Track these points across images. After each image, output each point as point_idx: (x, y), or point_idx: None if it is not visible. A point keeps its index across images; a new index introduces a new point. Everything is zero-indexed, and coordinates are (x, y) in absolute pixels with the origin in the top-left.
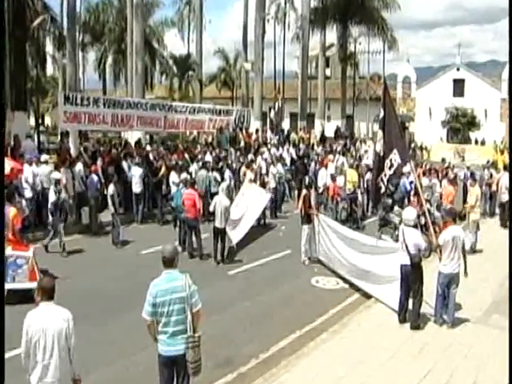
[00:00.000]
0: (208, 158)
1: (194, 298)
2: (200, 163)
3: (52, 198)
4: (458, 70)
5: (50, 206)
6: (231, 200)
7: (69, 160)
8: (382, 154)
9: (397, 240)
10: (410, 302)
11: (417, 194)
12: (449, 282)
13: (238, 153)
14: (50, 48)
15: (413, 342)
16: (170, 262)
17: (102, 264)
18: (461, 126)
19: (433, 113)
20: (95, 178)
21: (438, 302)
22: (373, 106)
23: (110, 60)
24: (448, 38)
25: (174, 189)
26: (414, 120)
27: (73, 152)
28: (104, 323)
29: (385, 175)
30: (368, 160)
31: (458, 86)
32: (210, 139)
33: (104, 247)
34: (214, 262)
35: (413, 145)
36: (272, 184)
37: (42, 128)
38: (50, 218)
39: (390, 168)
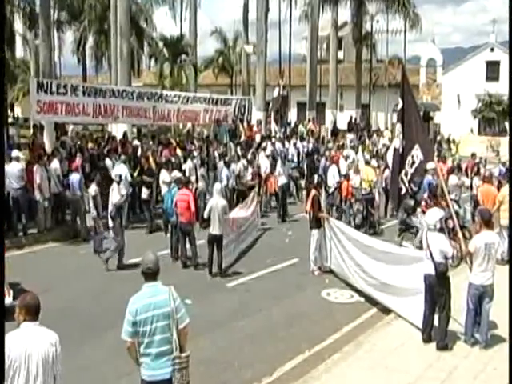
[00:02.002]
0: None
1: (180, 313)
2: (195, 160)
3: (116, 198)
4: (492, 50)
5: (111, 208)
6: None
7: (43, 157)
8: (401, 150)
9: (420, 247)
10: (436, 317)
11: (433, 194)
12: (481, 296)
13: (239, 148)
14: (19, 27)
15: (439, 365)
16: (154, 275)
17: (82, 276)
18: (495, 116)
19: (462, 101)
20: (77, 176)
21: (469, 318)
22: (392, 93)
23: (90, 42)
24: (480, 13)
25: (164, 189)
26: (440, 109)
27: (48, 147)
28: (80, 345)
29: (406, 174)
30: (388, 157)
31: (493, 69)
32: (205, 132)
33: (84, 257)
34: (209, 275)
35: (439, 138)
36: (282, 180)
37: (10, 120)
38: (111, 222)
39: (411, 165)
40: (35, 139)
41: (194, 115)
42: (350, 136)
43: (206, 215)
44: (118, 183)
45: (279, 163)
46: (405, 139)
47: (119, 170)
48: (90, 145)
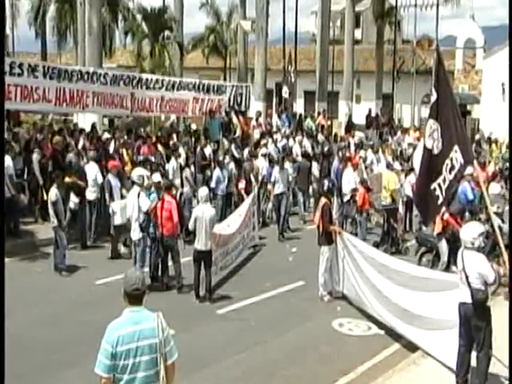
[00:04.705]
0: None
1: (169, 346)
2: (179, 159)
3: (145, 204)
4: None
5: (142, 217)
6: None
7: None
8: (435, 151)
9: (447, 268)
10: (474, 356)
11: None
12: None
13: (233, 145)
14: None
15: None
16: (141, 297)
17: (39, 299)
18: None
19: (507, 91)
20: (113, 180)
21: None
22: (420, 81)
23: (51, 11)
24: None
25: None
26: (480, 101)
27: None
28: None
29: (444, 180)
30: (415, 159)
31: None
32: (193, 126)
33: (42, 275)
34: (196, 299)
35: (477, 136)
36: (280, 188)
37: None
38: (138, 235)
39: (450, 171)
40: None
41: (182, 105)
42: (359, 134)
43: (190, 227)
44: (141, 185)
45: (276, 167)
46: (442, 138)
47: (89, 169)
48: (56, 138)
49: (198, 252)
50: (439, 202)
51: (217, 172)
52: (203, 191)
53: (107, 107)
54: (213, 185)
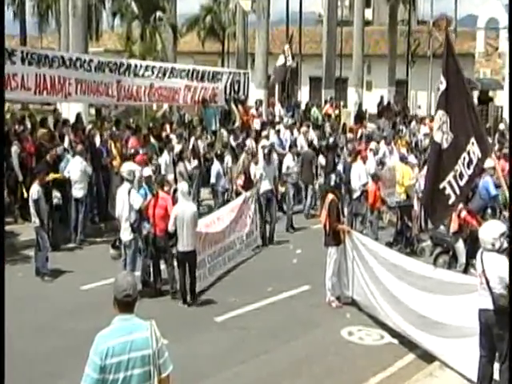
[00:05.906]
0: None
1: (163, 358)
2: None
3: (138, 201)
4: None
5: (134, 216)
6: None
7: None
8: (445, 145)
9: (465, 270)
10: (496, 367)
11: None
12: None
13: (232, 137)
14: None
15: None
16: (132, 304)
17: (22, 306)
18: None
19: None
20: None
21: None
22: (437, 65)
23: None
24: None
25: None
26: (504, 87)
27: None
28: None
29: (460, 176)
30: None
31: None
32: (187, 116)
33: (24, 280)
34: (182, 304)
35: (501, 126)
36: (266, 186)
37: None
38: (130, 235)
39: (468, 166)
40: None
41: (172, 93)
42: (371, 125)
43: (171, 227)
44: (132, 182)
45: (261, 162)
46: (452, 131)
47: (75, 164)
48: (41, 131)
49: (180, 253)
50: (450, 201)
51: (216, 166)
52: (182, 186)
53: (92, 96)
54: (213, 180)
